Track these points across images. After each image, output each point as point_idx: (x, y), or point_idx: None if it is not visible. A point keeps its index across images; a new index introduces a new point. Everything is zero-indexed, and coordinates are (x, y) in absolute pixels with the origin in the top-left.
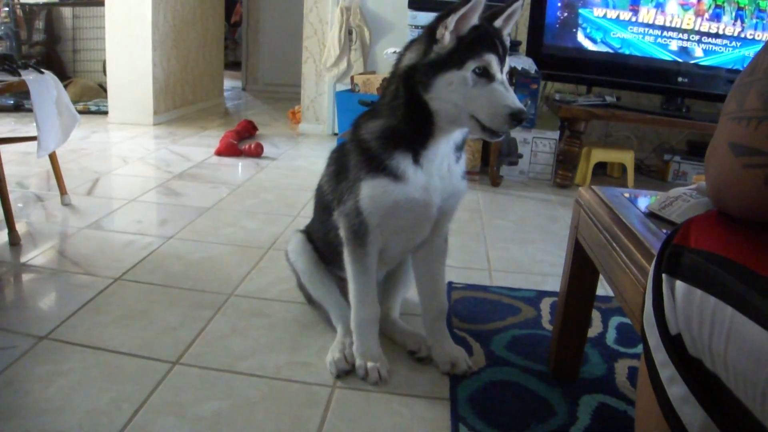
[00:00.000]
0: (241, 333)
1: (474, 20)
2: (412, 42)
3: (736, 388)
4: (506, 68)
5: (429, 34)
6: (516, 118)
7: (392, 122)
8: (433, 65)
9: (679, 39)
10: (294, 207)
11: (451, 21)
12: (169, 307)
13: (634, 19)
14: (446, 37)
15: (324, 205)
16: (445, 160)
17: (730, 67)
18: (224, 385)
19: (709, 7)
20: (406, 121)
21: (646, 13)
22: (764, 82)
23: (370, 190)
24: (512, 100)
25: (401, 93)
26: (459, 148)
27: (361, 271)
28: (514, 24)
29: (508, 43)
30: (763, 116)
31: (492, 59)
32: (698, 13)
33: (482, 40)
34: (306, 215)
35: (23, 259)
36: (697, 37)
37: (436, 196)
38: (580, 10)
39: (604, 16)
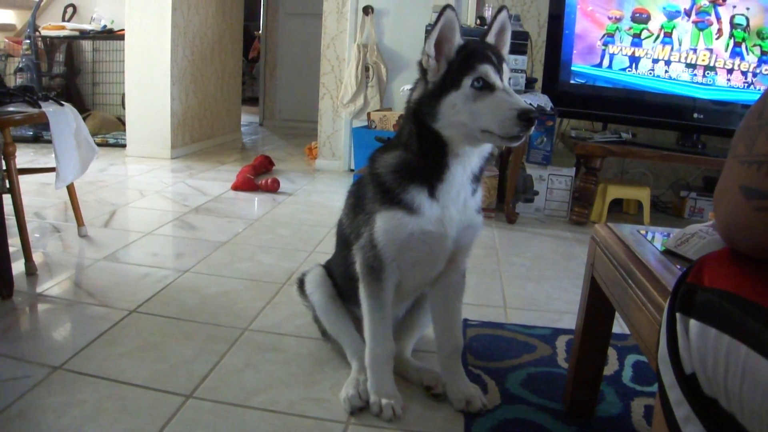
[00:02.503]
0: (255, 368)
1: (456, 41)
2: (417, 80)
3: (752, 427)
4: (506, 76)
5: (420, 68)
6: (525, 118)
7: (407, 156)
8: (433, 95)
9: (695, 75)
10: (310, 243)
11: (429, 46)
12: (183, 341)
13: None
14: (431, 63)
15: (343, 239)
16: (461, 191)
17: (745, 102)
18: (237, 419)
19: (727, 46)
20: (421, 155)
21: (662, 50)
22: None
23: (385, 223)
24: (516, 101)
25: (413, 128)
26: (476, 179)
27: (377, 306)
28: (509, 39)
29: (506, 56)
30: None
31: (487, 69)
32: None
33: (472, 55)
34: (322, 251)
35: (39, 289)
36: (713, 74)
37: (451, 229)
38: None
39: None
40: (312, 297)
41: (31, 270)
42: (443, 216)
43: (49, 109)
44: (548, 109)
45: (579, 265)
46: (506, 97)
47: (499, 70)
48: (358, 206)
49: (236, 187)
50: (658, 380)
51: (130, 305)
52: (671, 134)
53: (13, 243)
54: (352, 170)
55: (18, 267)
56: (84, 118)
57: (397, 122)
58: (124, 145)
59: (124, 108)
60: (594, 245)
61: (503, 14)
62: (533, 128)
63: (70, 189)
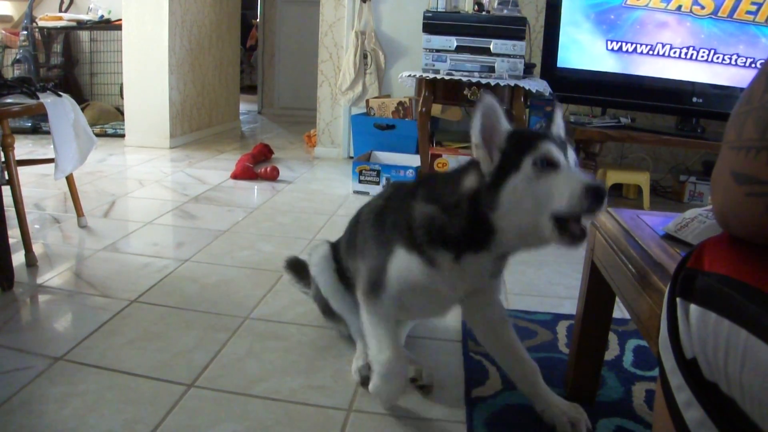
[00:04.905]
0: (256, 356)
1: (503, 128)
2: (465, 167)
3: (752, 411)
4: (572, 155)
5: (473, 162)
6: (594, 193)
7: (449, 228)
8: (491, 184)
9: (693, 59)
10: (310, 230)
11: (476, 136)
12: (184, 330)
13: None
14: (482, 153)
15: (356, 230)
16: (487, 264)
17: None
18: (239, 408)
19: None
20: (462, 233)
21: (661, 33)
22: (760, 112)
23: (400, 263)
24: (585, 176)
25: (465, 209)
26: (504, 256)
27: (377, 321)
28: (562, 121)
29: (564, 136)
30: (760, 146)
31: (549, 146)
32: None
33: (530, 136)
34: (322, 239)
35: (40, 281)
36: (712, 56)
37: (460, 290)
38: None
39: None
40: (317, 278)
41: (31, 261)
42: (459, 278)
43: (47, 100)
44: (547, 94)
45: (579, 250)
46: (574, 172)
47: (562, 148)
48: (383, 219)
49: (235, 176)
50: (659, 365)
51: (131, 295)
52: (670, 118)
53: (13, 234)
54: (351, 157)
55: (18, 258)
56: (82, 109)
57: (396, 109)
58: (122, 135)
59: (122, 98)
60: (594, 230)
61: (558, 109)
62: (603, 207)
63: (70, 180)
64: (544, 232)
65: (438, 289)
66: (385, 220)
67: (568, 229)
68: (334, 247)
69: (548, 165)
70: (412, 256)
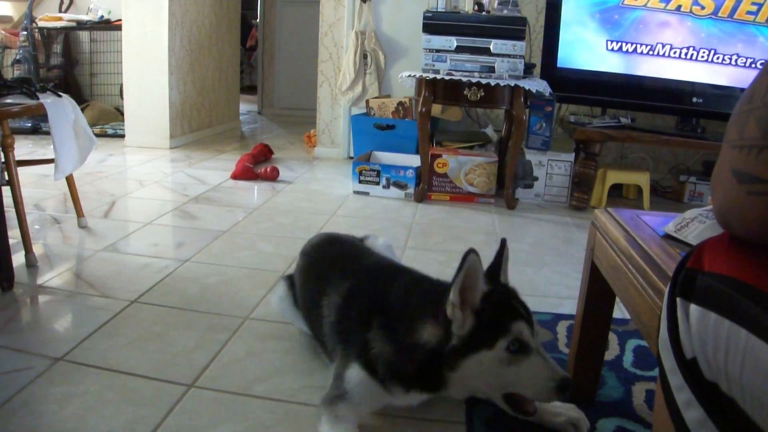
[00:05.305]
0: (256, 356)
1: (480, 287)
2: (428, 311)
3: (752, 411)
4: (536, 329)
5: (443, 315)
6: (563, 388)
7: (400, 367)
8: (458, 349)
9: (693, 59)
10: (310, 231)
11: (455, 296)
12: (184, 330)
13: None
14: (458, 315)
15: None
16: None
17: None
18: (239, 408)
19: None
20: (414, 377)
21: (661, 33)
22: (762, 111)
23: (357, 381)
24: (555, 369)
25: (420, 358)
26: None
27: (336, 422)
28: (509, 267)
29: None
30: (762, 145)
31: (523, 328)
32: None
33: (504, 310)
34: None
35: (40, 281)
36: (712, 57)
37: (414, 403)
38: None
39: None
40: (285, 315)
41: (31, 262)
42: (410, 401)
43: (47, 100)
44: (546, 94)
45: (579, 250)
46: (543, 363)
47: (530, 324)
48: (342, 322)
49: (235, 176)
50: (659, 365)
51: (131, 295)
52: (670, 119)
53: (13, 235)
54: (351, 157)
55: (18, 259)
56: (82, 109)
57: (396, 109)
58: (122, 136)
59: (122, 98)
60: (594, 230)
61: (506, 250)
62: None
63: (70, 180)
64: (495, 401)
65: (392, 403)
66: (347, 319)
67: (523, 407)
68: (291, 278)
69: (520, 350)
70: (370, 379)
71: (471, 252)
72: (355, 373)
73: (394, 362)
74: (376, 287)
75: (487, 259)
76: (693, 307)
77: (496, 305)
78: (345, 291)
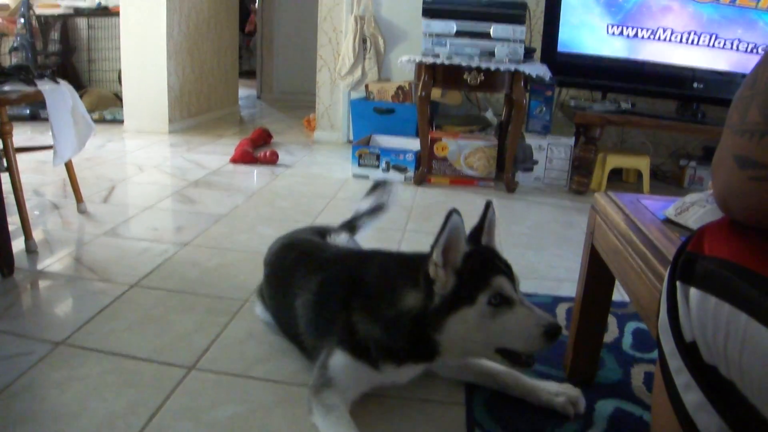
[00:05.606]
0: (256, 338)
1: (462, 248)
2: (407, 278)
3: (752, 395)
4: (518, 283)
5: (424, 277)
6: (552, 334)
7: (390, 343)
8: (440, 309)
9: (694, 44)
10: (309, 214)
11: (438, 255)
12: (184, 313)
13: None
14: (440, 274)
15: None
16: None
17: (746, 72)
18: (240, 390)
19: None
20: (405, 349)
21: (662, 18)
22: (764, 96)
23: (344, 366)
24: (541, 316)
25: (406, 326)
26: None
27: (328, 413)
28: (497, 231)
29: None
30: (764, 130)
31: (503, 281)
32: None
33: (483, 266)
34: (321, 223)
35: (40, 266)
36: (714, 42)
37: (404, 380)
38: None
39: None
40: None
41: (31, 247)
42: (401, 377)
43: (45, 87)
44: (547, 78)
45: (579, 233)
46: (528, 312)
47: (511, 279)
48: (319, 313)
49: (235, 160)
50: (659, 348)
51: (131, 279)
52: (671, 103)
53: (13, 221)
54: (350, 141)
55: (18, 245)
56: (80, 96)
57: (395, 93)
58: (121, 121)
59: (120, 84)
60: (594, 214)
61: (491, 212)
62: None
63: (69, 166)
64: (490, 359)
65: (382, 382)
66: (324, 310)
67: (519, 358)
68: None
69: (503, 302)
70: (356, 361)
71: (453, 212)
72: (338, 359)
73: (383, 338)
74: (348, 273)
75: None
76: (693, 291)
77: (477, 263)
78: (316, 285)
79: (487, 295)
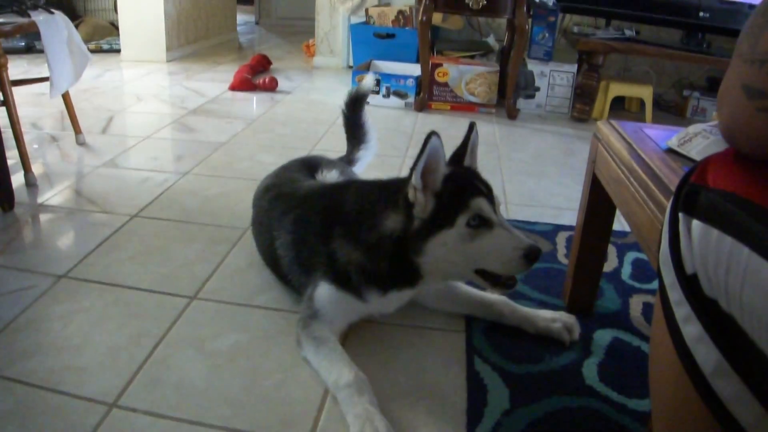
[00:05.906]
0: (257, 267)
1: (441, 170)
2: (387, 201)
3: (751, 329)
4: (498, 204)
5: (404, 201)
6: (531, 257)
7: (372, 268)
8: (420, 232)
9: None
10: (309, 141)
11: (417, 179)
12: (185, 243)
13: None
14: (419, 197)
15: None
16: (413, 293)
17: (753, 2)
18: (242, 318)
19: None
20: (387, 275)
21: None
22: None
23: (329, 297)
24: (520, 239)
25: (387, 250)
26: None
27: (318, 345)
28: (478, 153)
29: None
30: None
31: (482, 203)
32: None
33: (463, 188)
34: (321, 148)
35: (40, 200)
36: None
37: (391, 310)
38: None
39: None
40: None
41: (30, 181)
42: (387, 306)
43: (40, 17)
44: (550, 3)
45: (580, 161)
46: (507, 234)
47: (491, 201)
48: (302, 248)
49: (234, 88)
50: (659, 279)
51: (132, 210)
52: (676, 32)
53: (12, 155)
54: (350, 67)
55: (18, 179)
56: (76, 26)
57: (396, 18)
58: (118, 51)
59: (116, 12)
60: (596, 142)
61: (474, 134)
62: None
63: (66, 97)
64: (471, 279)
65: (368, 312)
66: (303, 247)
67: (499, 280)
68: None
69: (481, 224)
70: (340, 291)
71: (432, 134)
72: (322, 290)
73: (365, 263)
74: (324, 205)
75: (487, 171)
76: (695, 223)
77: (456, 186)
78: (290, 224)
79: (466, 217)
